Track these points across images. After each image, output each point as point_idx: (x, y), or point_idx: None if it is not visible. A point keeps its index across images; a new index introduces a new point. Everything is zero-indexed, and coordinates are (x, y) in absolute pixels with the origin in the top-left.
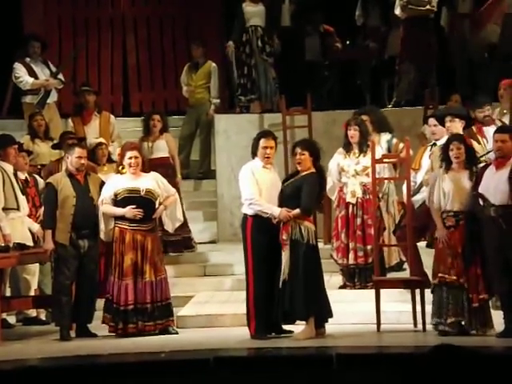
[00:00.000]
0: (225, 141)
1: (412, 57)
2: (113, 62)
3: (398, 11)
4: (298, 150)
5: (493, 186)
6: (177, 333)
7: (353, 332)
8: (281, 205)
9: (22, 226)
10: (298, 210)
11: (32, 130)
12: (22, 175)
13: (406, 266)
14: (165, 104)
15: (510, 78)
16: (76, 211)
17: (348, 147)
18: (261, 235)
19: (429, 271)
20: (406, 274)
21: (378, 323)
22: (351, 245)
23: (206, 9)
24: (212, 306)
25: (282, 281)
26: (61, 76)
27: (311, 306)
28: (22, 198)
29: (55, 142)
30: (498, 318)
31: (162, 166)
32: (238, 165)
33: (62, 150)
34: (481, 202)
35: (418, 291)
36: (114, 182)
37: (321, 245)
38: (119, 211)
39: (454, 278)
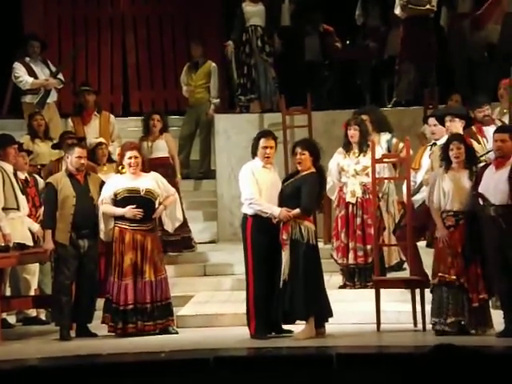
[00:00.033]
0: (225, 141)
1: (412, 56)
2: (112, 61)
3: (397, 11)
4: (298, 149)
5: (492, 185)
6: (177, 332)
7: (353, 332)
8: (281, 204)
9: (21, 226)
10: (297, 210)
11: (32, 130)
12: (22, 175)
13: (405, 265)
14: (165, 104)
15: (510, 77)
16: (76, 211)
17: (348, 147)
18: (261, 235)
19: (429, 271)
20: (405, 273)
21: (378, 323)
22: (351, 244)
23: (206, 8)
24: (212, 305)
25: (283, 281)
26: (60, 76)
27: (311, 306)
28: (21, 198)
29: (55, 141)
30: (497, 317)
31: (161, 166)
32: (238, 165)
33: (62, 150)
34: (481, 202)
35: (417, 291)
36: (114, 182)
37: (321, 244)
38: (119, 211)
39: (454, 277)
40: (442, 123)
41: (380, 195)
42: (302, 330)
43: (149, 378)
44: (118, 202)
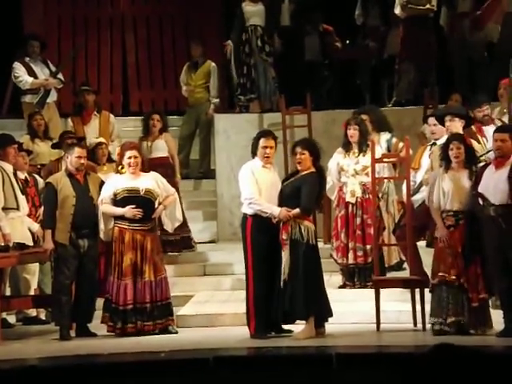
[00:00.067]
0: (224, 140)
1: (412, 56)
2: (112, 61)
3: (397, 10)
4: (298, 149)
5: (492, 185)
6: (177, 332)
7: (352, 331)
8: (280, 204)
9: (21, 226)
10: (297, 210)
11: (31, 130)
12: (22, 175)
13: (405, 265)
14: (164, 103)
15: (510, 77)
16: (76, 211)
17: (348, 147)
18: (260, 235)
19: (428, 270)
20: (405, 273)
21: (378, 323)
22: (351, 244)
23: (206, 8)
24: (212, 305)
25: (283, 281)
26: (60, 75)
27: (311, 306)
28: (21, 198)
29: (55, 141)
30: (497, 317)
31: (161, 166)
32: (238, 164)
33: (62, 150)
34: (480, 202)
35: (417, 291)
36: (114, 182)
37: (320, 244)
38: (119, 211)
39: (454, 277)
40: (442, 123)
41: (380, 195)
42: (301, 329)
43: (149, 378)
44: (117, 201)
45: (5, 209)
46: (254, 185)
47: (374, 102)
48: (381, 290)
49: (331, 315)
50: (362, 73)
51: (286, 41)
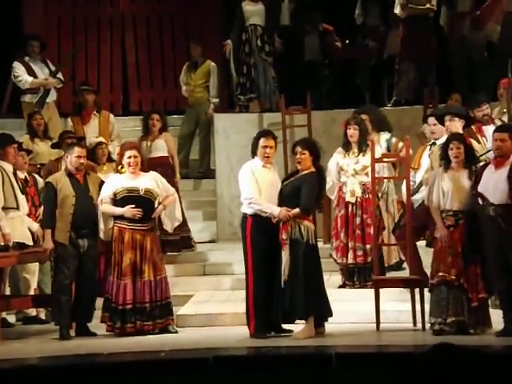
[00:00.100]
0: (224, 140)
1: (412, 56)
2: (112, 61)
3: (397, 10)
4: (298, 149)
5: (492, 185)
6: (176, 332)
7: (352, 331)
8: (280, 204)
9: (21, 226)
10: (297, 210)
11: (31, 130)
12: (22, 174)
13: (405, 265)
14: (164, 103)
15: (510, 77)
16: (75, 210)
17: (347, 146)
18: (260, 235)
19: (428, 270)
20: (405, 273)
21: (378, 322)
22: (350, 244)
23: (206, 8)
24: (212, 305)
25: (283, 281)
26: (60, 75)
27: (311, 306)
28: (21, 198)
29: (54, 141)
30: (497, 316)
31: (161, 166)
32: (238, 164)
33: (62, 150)
34: (480, 202)
35: (417, 290)
36: (114, 182)
37: (320, 244)
38: (118, 211)
39: (454, 277)
40: (442, 123)
41: (379, 195)
42: (301, 329)
43: (149, 378)
44: (117, 201)
45: (5, 208)
46: (254, 184)
47: (373, 101)
48: (380, 289)
49: (331, 315)
50: (361, 72)
51: (286, 40)
